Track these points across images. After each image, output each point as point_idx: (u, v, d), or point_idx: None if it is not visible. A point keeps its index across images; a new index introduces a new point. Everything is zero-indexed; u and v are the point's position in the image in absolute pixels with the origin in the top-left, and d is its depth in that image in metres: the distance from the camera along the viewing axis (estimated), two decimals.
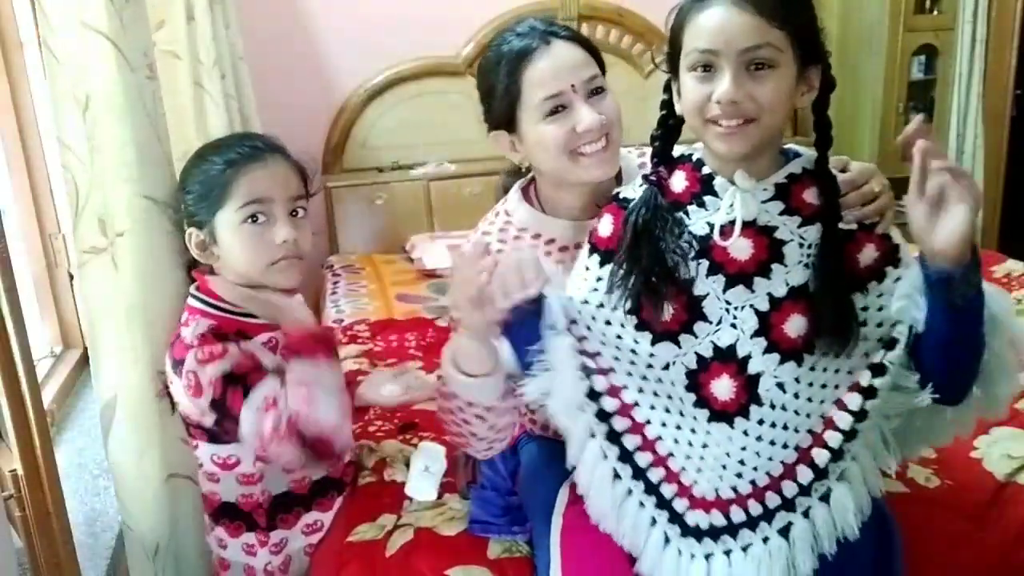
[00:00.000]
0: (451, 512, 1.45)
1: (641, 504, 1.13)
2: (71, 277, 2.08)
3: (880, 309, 1.09)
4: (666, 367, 1.12)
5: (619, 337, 1.14)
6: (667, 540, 1.12)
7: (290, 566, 1.46)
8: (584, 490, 1.17)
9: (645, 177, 1.17)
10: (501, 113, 1.32)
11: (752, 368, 1.08)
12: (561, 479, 1.34)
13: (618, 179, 1.36)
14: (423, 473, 1.51)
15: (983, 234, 3.75)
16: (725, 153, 1.06)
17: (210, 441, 1.37)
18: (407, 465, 1.56)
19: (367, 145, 3.41)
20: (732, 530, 1.10)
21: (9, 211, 1.97)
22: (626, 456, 1.15)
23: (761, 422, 1.09)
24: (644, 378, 1.14)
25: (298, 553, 1.46)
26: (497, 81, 1.30)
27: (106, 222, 1.34)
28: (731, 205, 1.09)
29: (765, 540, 1.09)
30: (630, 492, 1.14)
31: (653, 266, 1.10)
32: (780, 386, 1.08)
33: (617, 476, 1.14)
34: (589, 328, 1.16)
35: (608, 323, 1.15)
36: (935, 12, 3.67)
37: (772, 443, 1.09)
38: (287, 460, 1.29)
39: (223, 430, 1.32)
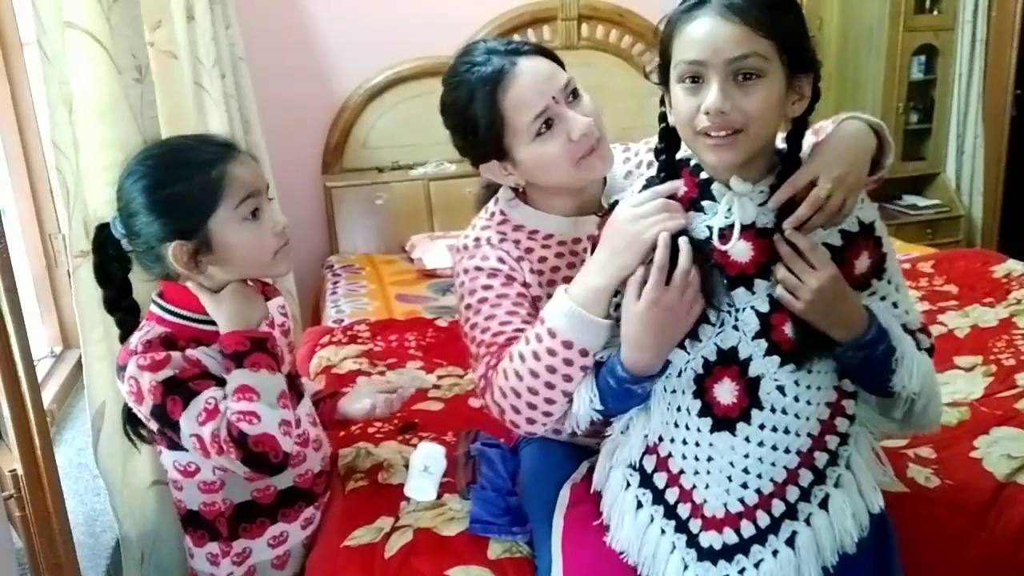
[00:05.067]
0: (451, 512, 1.44)
1: (662, 531, 1.15)
2: (71, 277, 2.08)
3: None
4: (679, 374, 1.13)
5: None
6: (685, 567, 1.13)
7: None
8: (607, 520, 1.20)
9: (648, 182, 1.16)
10: (488, 144, 1.28)
11: (753, 371, 1.09)
12: (562, 480, 1.35)
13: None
14: (423, 473, 1.51)
15: (983, 234, 3.75)
16: (715, 164, 1.07)
17: (170, 448, 1.32)
18: (406, 466, 1.55)
19: (367, 145, 3.41)
20: (744, 547, 1.11)
21: (9, 211, 1.96)
22: (646, 480, 1.17)
23: (762, 427, 1.10)
24: (663, 389, 1.14)
25: (264, 565, 1.41)
26: (476, 114, 1.26)
27: (90, 225, 1.32)
28: (729, 209, 1.09)
29: (775, 553, 1.11)
30: (652, 519, 1.16)
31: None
32: (780, 389, 1.09)
33: (639, 504, 1.17)
34: None
35: None
36: (935, 12, 3.67)
37: (774, 448, 1.10)
38: (229, 470, 1.25)
39: (166, 438, 1.28)
